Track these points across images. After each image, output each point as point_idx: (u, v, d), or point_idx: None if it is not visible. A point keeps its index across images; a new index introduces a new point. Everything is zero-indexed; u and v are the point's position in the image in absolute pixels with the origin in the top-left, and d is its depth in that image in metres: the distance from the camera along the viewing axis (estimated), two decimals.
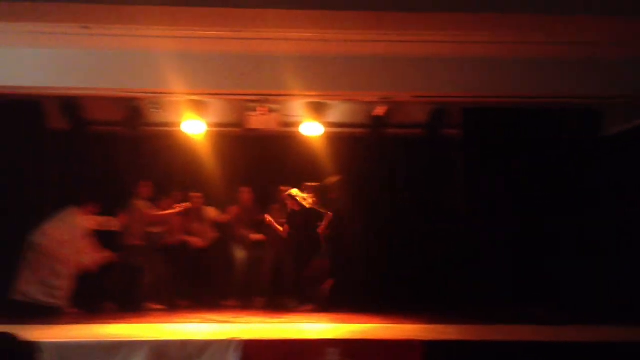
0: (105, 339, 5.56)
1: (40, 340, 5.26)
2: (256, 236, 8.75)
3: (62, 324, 6.81)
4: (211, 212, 8.98)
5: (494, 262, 8.46)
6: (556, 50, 7.06)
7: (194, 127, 8.60)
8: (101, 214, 8.27)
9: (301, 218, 8.36)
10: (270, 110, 8.36)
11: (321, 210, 8.42)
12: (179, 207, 8.67)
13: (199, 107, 8.42)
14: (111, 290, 8.27)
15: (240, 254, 8.82)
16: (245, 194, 8.90)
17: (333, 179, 8.81)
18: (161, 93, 7.98)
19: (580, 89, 7.44)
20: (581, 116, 8.76)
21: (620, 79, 7.40)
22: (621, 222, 8.23)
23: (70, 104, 8.57)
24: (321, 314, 7.70)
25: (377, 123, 8.87)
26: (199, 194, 8.93)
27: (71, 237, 7.82)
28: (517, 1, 5.62)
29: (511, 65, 7.55)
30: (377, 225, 8.85)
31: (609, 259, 8.16)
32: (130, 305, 8.03)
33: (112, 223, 8.34)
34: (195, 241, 8.78)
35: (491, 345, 5.60)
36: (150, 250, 8.44)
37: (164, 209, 8.67)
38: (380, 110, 8.36)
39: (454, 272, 8.72)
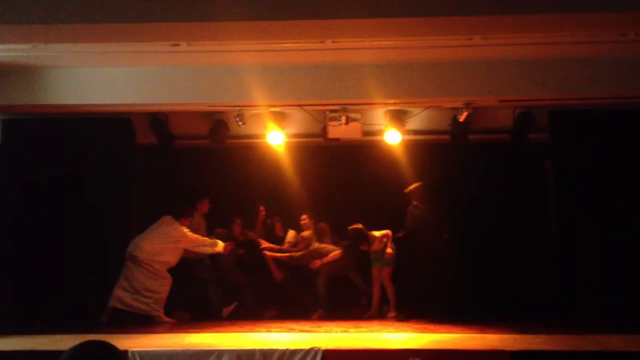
0: (192, 348, 5.68)
1: (131, 348, 5.49)
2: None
3: (155, 332, 7.05)
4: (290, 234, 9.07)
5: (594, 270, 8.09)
6: None
7: (277, 139, 8.67)
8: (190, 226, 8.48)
9: None
10: (352, 120, 8.37)
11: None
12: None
13: (280, 118, 8.56)
14: (184, 300, 8.44)
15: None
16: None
17: (414, 186, 8.68)
18: (245, 106, 8.16)
19: None
20: None
21: None
22: None
23: (158, 120, 8.87)
24: (403, 324, 7.59)
25: (460, 129, 8.67)
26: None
27: (166, 246, 8.12)
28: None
29: (598, 65, 7.33)
30: (460, 232, 8.64)
31: None
32: (203, 315, 8.20)
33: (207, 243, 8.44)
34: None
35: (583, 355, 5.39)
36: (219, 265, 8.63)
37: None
38: (462, 116, 8.21)
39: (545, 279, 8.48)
